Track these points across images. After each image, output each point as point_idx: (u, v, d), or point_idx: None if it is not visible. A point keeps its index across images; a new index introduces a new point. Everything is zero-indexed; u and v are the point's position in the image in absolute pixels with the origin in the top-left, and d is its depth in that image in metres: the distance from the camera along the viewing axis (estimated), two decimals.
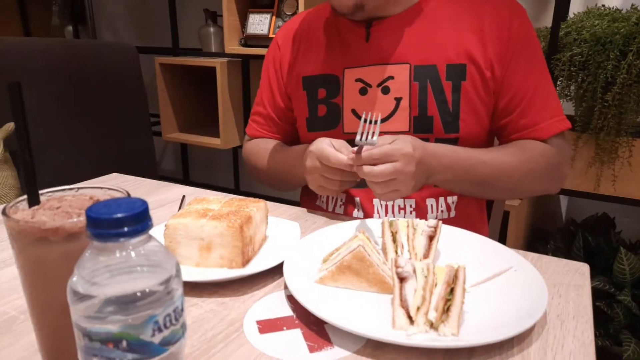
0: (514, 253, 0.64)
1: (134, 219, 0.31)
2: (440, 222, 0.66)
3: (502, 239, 1.55)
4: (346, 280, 0.58)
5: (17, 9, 3.04)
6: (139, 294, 0.31)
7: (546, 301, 0.52)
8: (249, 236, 0.64)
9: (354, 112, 0.89)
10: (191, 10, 2.47)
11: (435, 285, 0.52)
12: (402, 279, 0.52)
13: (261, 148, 1.01)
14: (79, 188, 0.45)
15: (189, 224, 0.63)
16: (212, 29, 2.24)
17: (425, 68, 0.85)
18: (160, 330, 0.31)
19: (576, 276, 0.63)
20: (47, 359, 0.42)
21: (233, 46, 2.01)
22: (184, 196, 0.80)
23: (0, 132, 1.57)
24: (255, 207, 0.69)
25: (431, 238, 0.65)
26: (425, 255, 0.64)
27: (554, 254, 1.66)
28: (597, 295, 1.50)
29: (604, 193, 1.50)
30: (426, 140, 0.85)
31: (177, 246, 0.64)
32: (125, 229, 0.31)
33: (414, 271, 0.52)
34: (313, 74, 0.93)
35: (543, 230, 1.86)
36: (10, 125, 1.61)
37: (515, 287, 0.57)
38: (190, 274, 0.61)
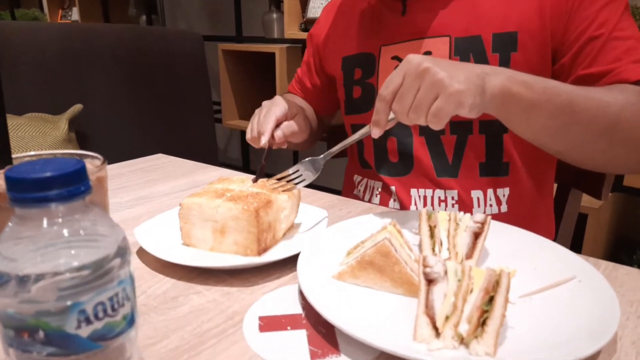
0: (580, 260, 0.53)
1: (62, 181, 0.25)
2: (490, 217, 0.56)
3: (576, 245, 1.37)
4: (367, 277, 0.50)
5: (99, 1, 3.25)
6: (61, 275, 0.25)
7: (617, 322, 0.41)
8: (267, 222, 0.58)
9: None
10: None
11: (471, 291, 0.42)
12: (430, 281, 0.43)
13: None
14: (62, 154, 0.41)
15: (203, 204, 0.58)
16: (274, 15, 2.21)
17: (468, 40, 0.73)
18: (88, 321, 0.25)
19: None
20: None
21: (293, 31, 1.96)
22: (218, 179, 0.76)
23: (66, 113, 1.63)
24: (282, 193, 0.62)
25: (477, 236, 0.55)
26: (468, 256, 0.54)
27: None
28: None
29: None
30: (469, 122, 0.74)
31: (191, 227, 0.59)
32: (54, 191, 0.25)
33: (446, 272, 0.43)
34: (351, 54, 0.87)
35: (630, 240, 1.64)
36: (77, 107, 1.67)
37: (577, 302, 0.46)
38: (198, 258, 0.56)
